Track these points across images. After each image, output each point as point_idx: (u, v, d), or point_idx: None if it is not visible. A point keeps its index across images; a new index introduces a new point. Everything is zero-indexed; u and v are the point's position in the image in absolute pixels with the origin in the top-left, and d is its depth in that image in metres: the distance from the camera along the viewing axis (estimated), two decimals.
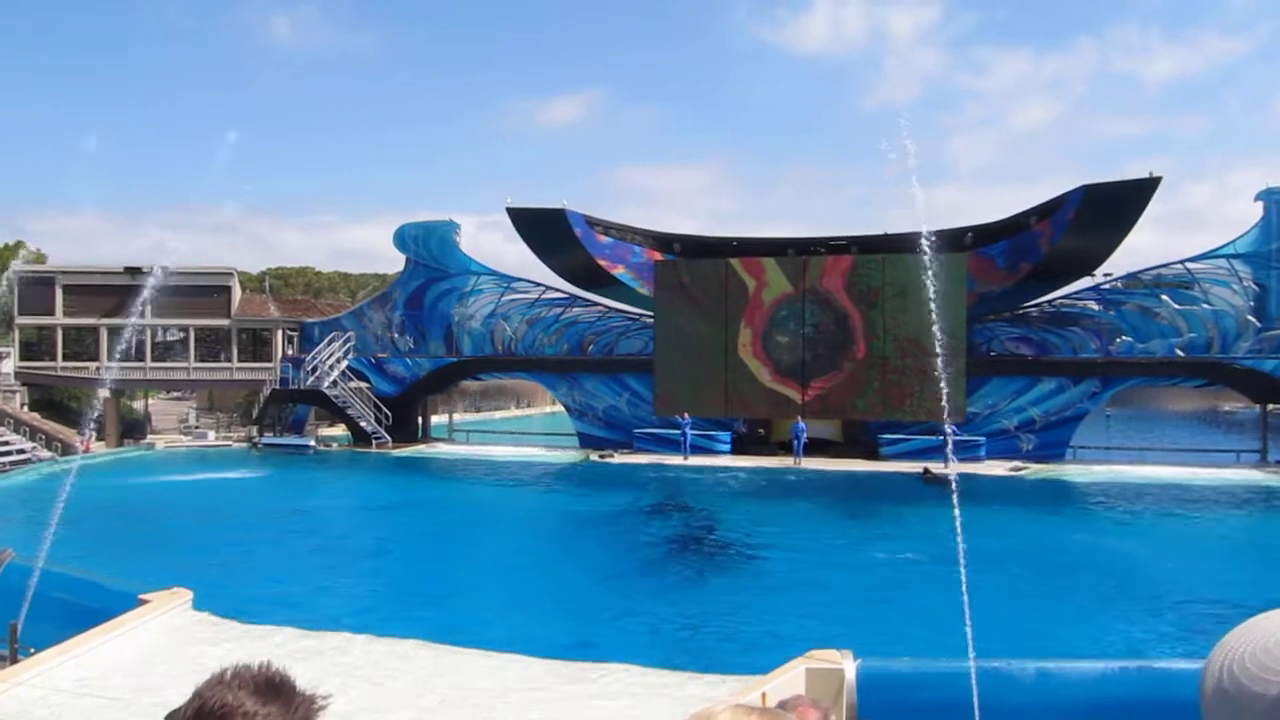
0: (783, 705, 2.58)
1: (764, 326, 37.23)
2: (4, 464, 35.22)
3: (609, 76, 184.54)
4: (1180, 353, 34.40)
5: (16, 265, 46.61)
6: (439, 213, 42.47)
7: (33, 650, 10.45)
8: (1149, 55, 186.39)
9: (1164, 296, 34.78)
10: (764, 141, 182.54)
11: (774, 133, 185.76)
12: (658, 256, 39.23)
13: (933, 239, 36.47)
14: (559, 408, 43.51)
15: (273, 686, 1.46)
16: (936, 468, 32.56)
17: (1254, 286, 33.78)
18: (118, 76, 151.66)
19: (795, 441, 34.81)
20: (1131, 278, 35.67)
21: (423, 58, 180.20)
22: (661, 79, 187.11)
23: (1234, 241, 34.08)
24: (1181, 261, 34.74)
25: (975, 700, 8.42)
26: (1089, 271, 35.67)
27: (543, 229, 38.34)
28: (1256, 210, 34.02)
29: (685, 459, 35.45)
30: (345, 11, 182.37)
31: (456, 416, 51.22)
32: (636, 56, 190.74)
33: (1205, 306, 34.22)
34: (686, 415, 36.64)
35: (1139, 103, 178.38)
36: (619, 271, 38.74)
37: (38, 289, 44.82)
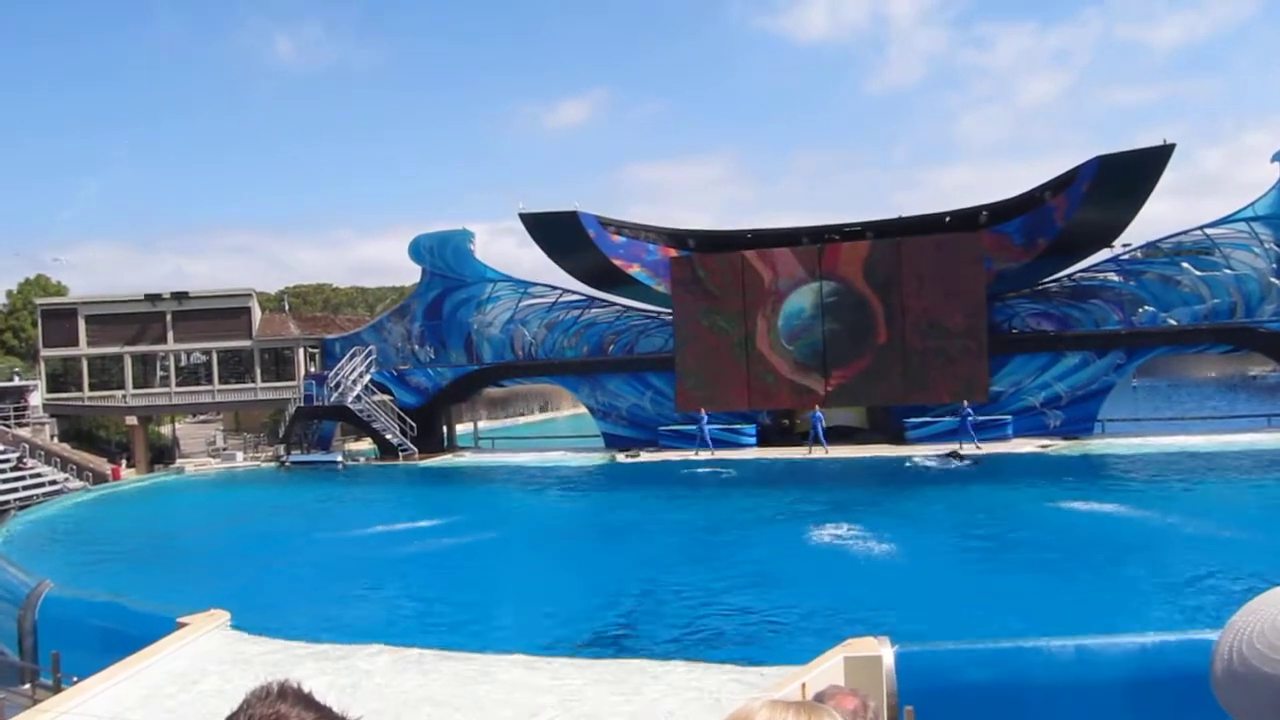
0: (820, 696, 2.57)
1: (782, 318, 37.15)
2: (37, 496, 35.57)
3: (613, 76, 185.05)
4: (1173, 322, 34.32)
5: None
6: (452, 222, 42.57)
7: (75, 679, 10.54)
8: (1155, 21, 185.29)
9: (1185, 264, 34.47)
10: (771, 131, 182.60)
11: (781, 122, 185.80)
12: (672, 253, 39.20)
13: (948, 220, 36.57)
14: (583, 409, 43.55)
15: (312, 700, 1.53)
16: (967, 449, 32.51)
17: (1275, 249, 33.42)
18: (122, 105, 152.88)
19: (813, 430, 34.77)
20: (1151, 247, 35.34)
21: (427, 69, 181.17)
22: (665, 75, 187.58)
23: (1253, 204, 33.75)
24: (1200, 227, 34.43)
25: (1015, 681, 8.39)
26: (1107, 243, 35.40)
27: (556, 232, 38.39)
28: (1274, 171, 33.70)
29: (712, 453, 35.43)
30: (348, 28, 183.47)
31: (481, 424, 51.39)
32: (639, 55, 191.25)
33: (1227, 272, 33.91)
34: (703, 411, 36.67)
35: (1148, 70, 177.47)
36: (635, 270, 38.75)
37: (61, 321, 45.27)
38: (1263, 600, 1.29)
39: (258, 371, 44.85)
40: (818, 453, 34.07)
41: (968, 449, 32.54)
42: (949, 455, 31.92)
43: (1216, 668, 1.27)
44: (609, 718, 9.64)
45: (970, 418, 33.75)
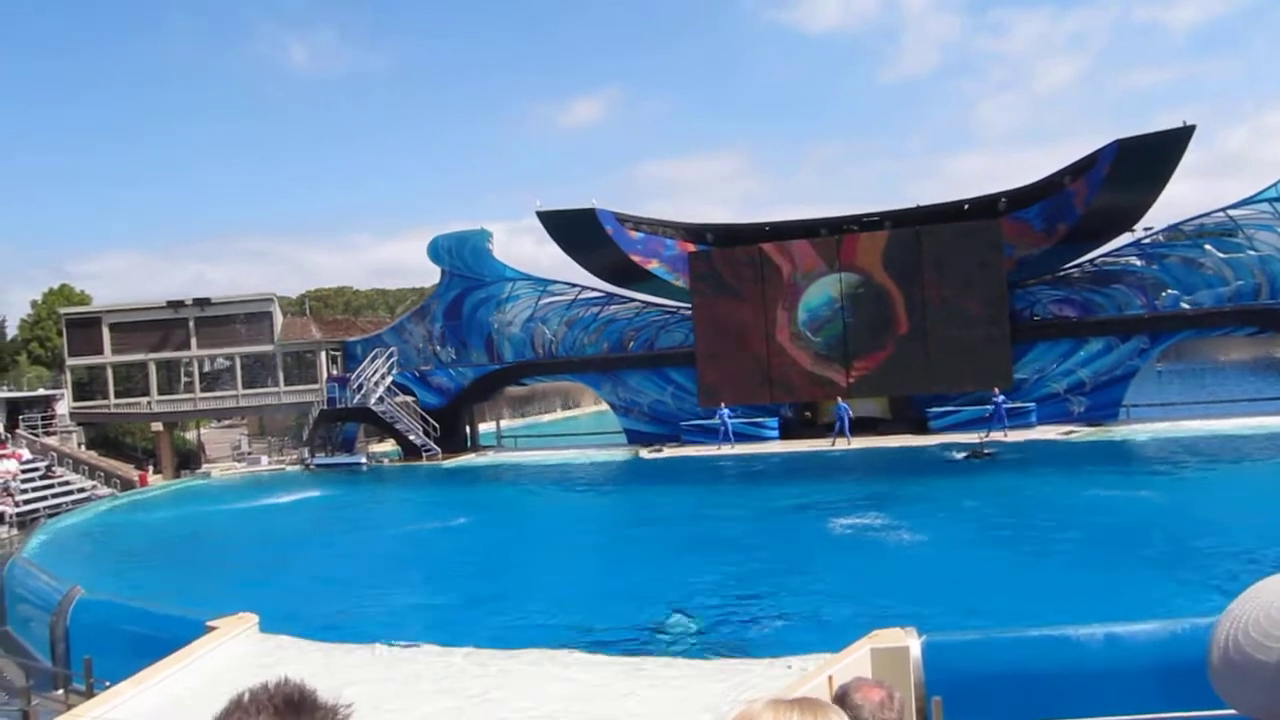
0: (845, 688, 2.57)
1: (802, 310, 37.05)
2: (67, 503, 35.88)
3: (625, 73, 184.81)
4: (1185, 305, 34.01)
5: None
6: (469, 222, 42.66)
7: (107, 684, 10.64)
8: (1171, 2, 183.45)
9: (1207, 246, 34.18)
10: (786, 124, 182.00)
11: (796, 114, 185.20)
12: (691, 248, 39.14)
13: (967, 207, 36.37)
14: (605, 406, 43.56)
15: (292, 704, 1.42)
16: (994, 437, 32.07)
17: None
18: (139, 114, 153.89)
19: (839, 422, 34.64)
20: (1173, 230, 35.06)
21: (440, 71, 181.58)
22: (677, 71, 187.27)
23: (1276, 184, 33.37)
24: (1223, 209, 34.10)
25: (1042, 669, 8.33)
26: (1128, 227, 35.12)
27: (574, 230, 38.41)
28: None
29: (732, 448, 35.38)
30: (361, 32, 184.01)
31: (504, 422, 51.49)
32: (650, 51, 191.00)
33: (1251, 253, 33.57)
34: (724, 406, 36.61)
35: (1165, 51, 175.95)
36: (653, 266, 38.71)
37: (85, 330, 45.64)
38: (1259, 588, 1.28)
39: (280, 375, 45.04)
40: (840, 444, 33.96)
41: (994, 436, 32.17)
42: (970, 455, 30.18)
43: (1213, 656, 1.26)
44: (630, 716, 9.65)
45: (1003, 404, 33.56)
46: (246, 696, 1.43)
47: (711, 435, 36.69)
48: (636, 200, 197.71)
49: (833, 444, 34.17)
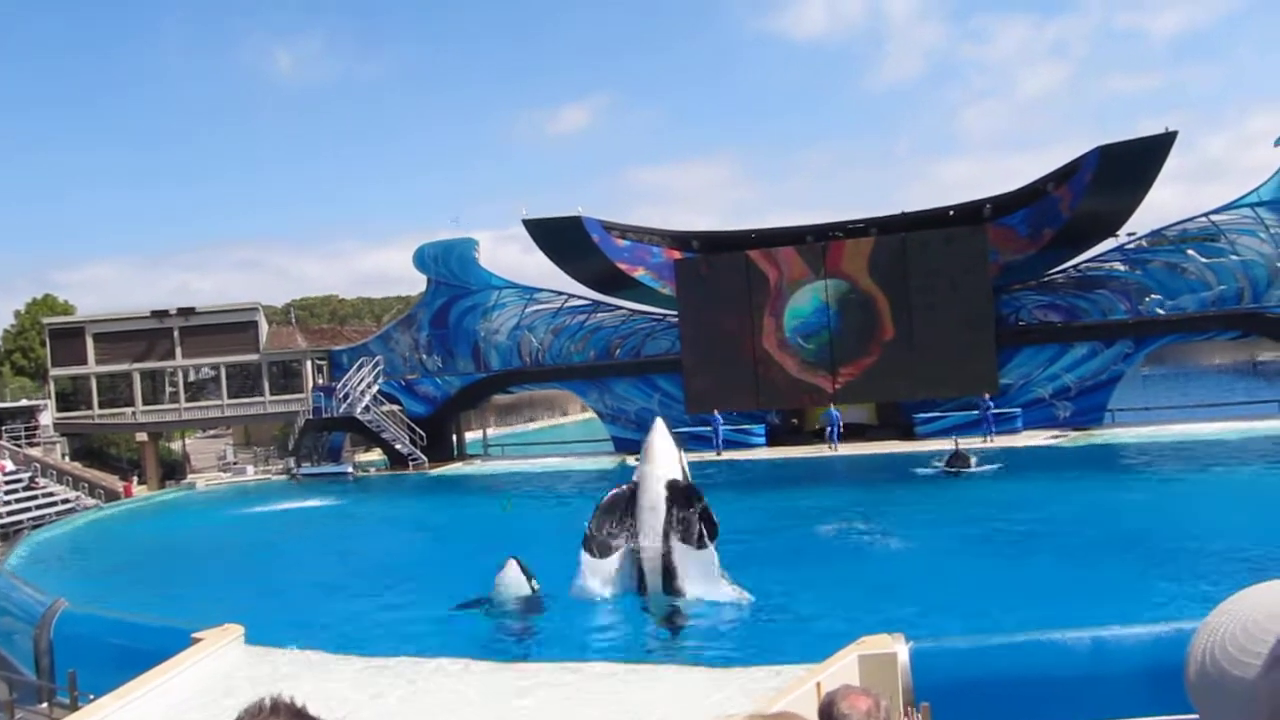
0: (832, 696, 2.57)
1: (788, 316, 37.10)
2: (50, 515, 35.64)
3: (613, 80, 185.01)
4: (1161, 312, 34.13)
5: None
6: (456, 230, 42.49)
7: (92, 696, 10.56)
8: (1154, 9, 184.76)
9: (1190, 251, 34.35)
10: (774, 131, 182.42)
11: (783, 121, 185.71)
12: (677, 255, 39.16)
13: (952, 214, 36.50)
14: (592, 414, 43.54)
15: (305, 714, 1.55)
16: (965, 444, 31.30)
17: None
18: (125, 122, 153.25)
19: (830, 429, 34.63)
20: (1156, 235, 35.23)
21: (427, 79, 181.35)
22: (666, 78, 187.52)
23: (1257, 189, 33.59)
24: (1205, 214, 34.29)
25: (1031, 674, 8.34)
26: (1112, 232, 35.29)
27: (560, 238, 38.41)
28: (1277, 156, 33.54)
29: (719, 454, 35.32)
30: (347, 40, 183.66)
31: (490, 431, 51.41)
32: (638, 58, 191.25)
33: (1233, 258, 33.76)
34: (716, 412, 36.59)
35: (1148, 58, 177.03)
36: (639, 273, 38.72)
37: (69, 340, 45.42)
38: (1236, 600, 1.26)
39: (266, 385, 44.91)
40: (839, 450, 33.93)
41: (975, 442, 31.72)
42: (947, 464, 29.06)
43: (1190, 671, 1.23)
44: None
45: (990, 409, 33.60)
46: (268, 700, 1.56)
47: (698, 443, 36.61)
48: (626, 207, 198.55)
49: (833, 448, 34.17)
